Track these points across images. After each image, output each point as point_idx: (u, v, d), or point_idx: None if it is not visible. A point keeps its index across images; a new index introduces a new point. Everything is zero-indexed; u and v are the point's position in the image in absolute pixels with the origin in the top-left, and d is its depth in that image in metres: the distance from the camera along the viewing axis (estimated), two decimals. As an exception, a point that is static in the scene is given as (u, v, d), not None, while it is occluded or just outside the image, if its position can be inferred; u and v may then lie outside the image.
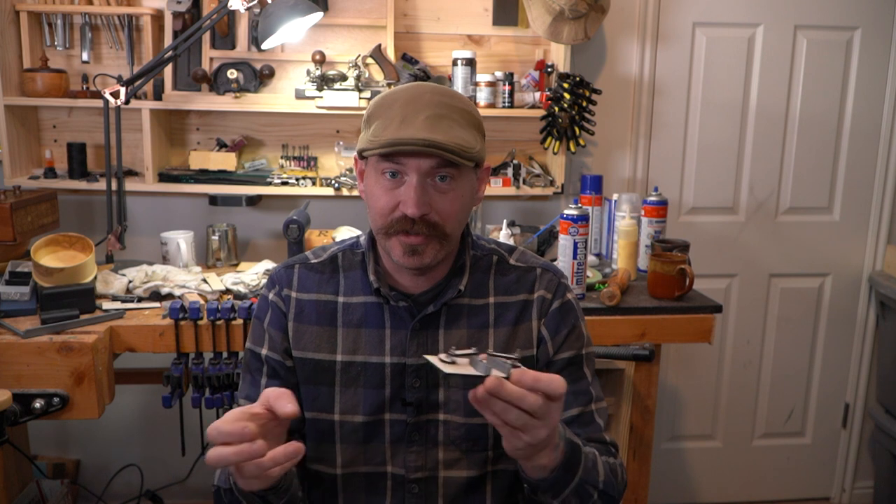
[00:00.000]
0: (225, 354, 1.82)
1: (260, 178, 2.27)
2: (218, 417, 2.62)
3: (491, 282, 1.16)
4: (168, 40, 2.19)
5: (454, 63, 2.22)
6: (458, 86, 2.22)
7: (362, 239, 1.19)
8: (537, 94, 2.32)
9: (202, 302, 1.84)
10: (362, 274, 1.15)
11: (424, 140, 0.97)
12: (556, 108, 2.26)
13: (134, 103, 2.08)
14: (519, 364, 0.86)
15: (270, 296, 1.17)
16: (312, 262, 1.18)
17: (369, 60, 2.23)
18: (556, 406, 0.85)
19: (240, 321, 1.79)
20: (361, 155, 1.07)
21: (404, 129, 0.99)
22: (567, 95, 2.24)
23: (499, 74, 2.28)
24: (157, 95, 2.22)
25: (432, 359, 0.88)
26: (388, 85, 2.21)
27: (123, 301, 1.89)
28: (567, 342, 1.15)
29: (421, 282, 1.12)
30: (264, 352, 1.16)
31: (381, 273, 1.13)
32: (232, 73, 2.20)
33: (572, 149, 2.31)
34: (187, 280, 1.98)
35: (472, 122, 1.06)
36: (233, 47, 2.25)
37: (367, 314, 1.13)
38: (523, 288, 1.16)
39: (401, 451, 1.13)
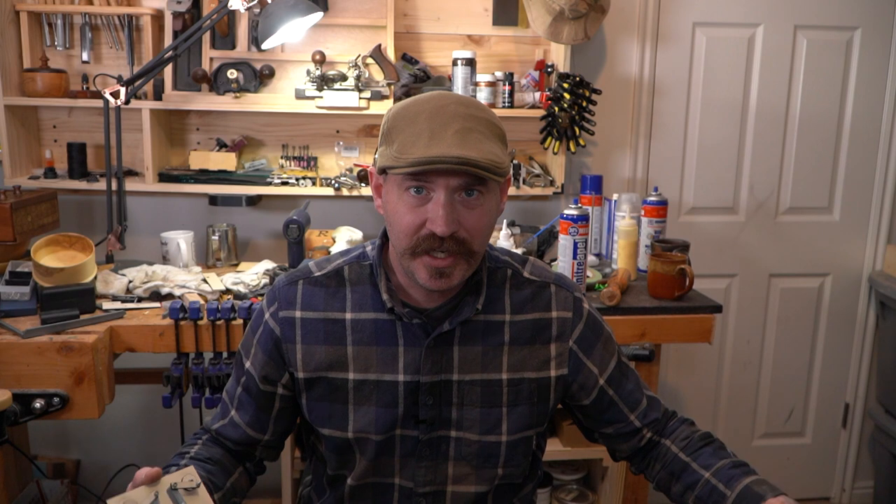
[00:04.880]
0: (225, 354, 1.82)
1: (260, 178, 2.27)
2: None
3: (507, 297, 1.13)
4: (168, 40, 2.19)
5: (454, 63, 2.22)
6: (458, 86, 2.22)
7: (369, 250, 1.14)
8: (537, 94, 2.32)
9: (202, 302, 1.84)
10: (372, 289, 1.11)
11: (458, 158, 0.93)
12: (556, 108, 2.26)
13: (134, 103, 2.08)
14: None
15: (267, 315, 1.13)
16: (316, 275, 1.13)
17: (369, 60, 2.23)
18: None
19: (240, 321, 1.79)
20: (383, 170, 1.02)
21: (435, 146, 0.94)
22: (567, 95, 2.24)
23: (499, 74, 2.28)
24: (157, 95, 2.22)
25: None
26: (388, 85, 2.21)
27: (123, 301, 1.89)
28: (606, 353, 1.18)
29: (435, 296, 1.09)
30: (247, 364, 1.16)
31: (392, 290, 1.09)
32: (232, 73, 2.20)
33: (572, 149, 2.31)
34: (187, 280, 1.98)
35: (497, 134, 1.01)
36: (233, 47, 2.25)
37: (378, 331, 1.10)
38: (539, 306, 1.14)
39: (410, 465, 1.12)
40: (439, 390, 1.10)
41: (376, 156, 1.05)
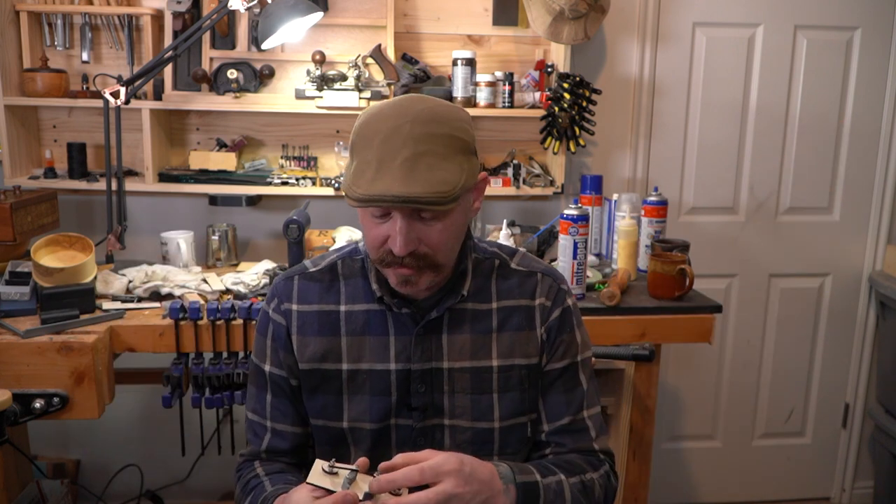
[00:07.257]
0: (225, 354, 1.82)
1: (260, 178, 2.27)
2: (218, 417, 2.61)
3: (493, 286, 1.15)
4: (168, 40, 2.19)
5: (454, 63, 2.22)
6: (458, 86, 2.22)
7: (361, 245, 1.18)
8: (537, 94, 2.32)
9: (202, 302, 1.84)
10: (363, 281, 1.14)
11: (398, 196, 0.93)
12: (556, 108, 2.26)
13: (134, 103, 2.08)
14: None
15: (270, 311, 1.16)
16: (311, 271, 1.17)
17: (369, 60, 2.23)
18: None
19: (240, 321, 1.79)
20: None
21: (379, 181, 0.94)
22: (567, 95, 2.24)
23: (499, 74, 2.28)
24: (157, 95, 2.22)
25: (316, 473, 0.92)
26: (388, 85, 2.21)
27: (123, 301, 1.89)
28: (560, 351, 1.15)
29: (422, 290, 1.11)
30: (267, 368, 1.16)
31: (382, 280, 1.12)
32: (232, 73, 2.20)
33: (572, 149, 2.31)
34: (187, 280, 1.98)
35: (457, 148, 0.99)
36: (233, 47, 2.25)
37: (370, 321, 1.13)
38: (525, 293, 1.16)
39: None
40: (430, 378, 1.11)
41: None
